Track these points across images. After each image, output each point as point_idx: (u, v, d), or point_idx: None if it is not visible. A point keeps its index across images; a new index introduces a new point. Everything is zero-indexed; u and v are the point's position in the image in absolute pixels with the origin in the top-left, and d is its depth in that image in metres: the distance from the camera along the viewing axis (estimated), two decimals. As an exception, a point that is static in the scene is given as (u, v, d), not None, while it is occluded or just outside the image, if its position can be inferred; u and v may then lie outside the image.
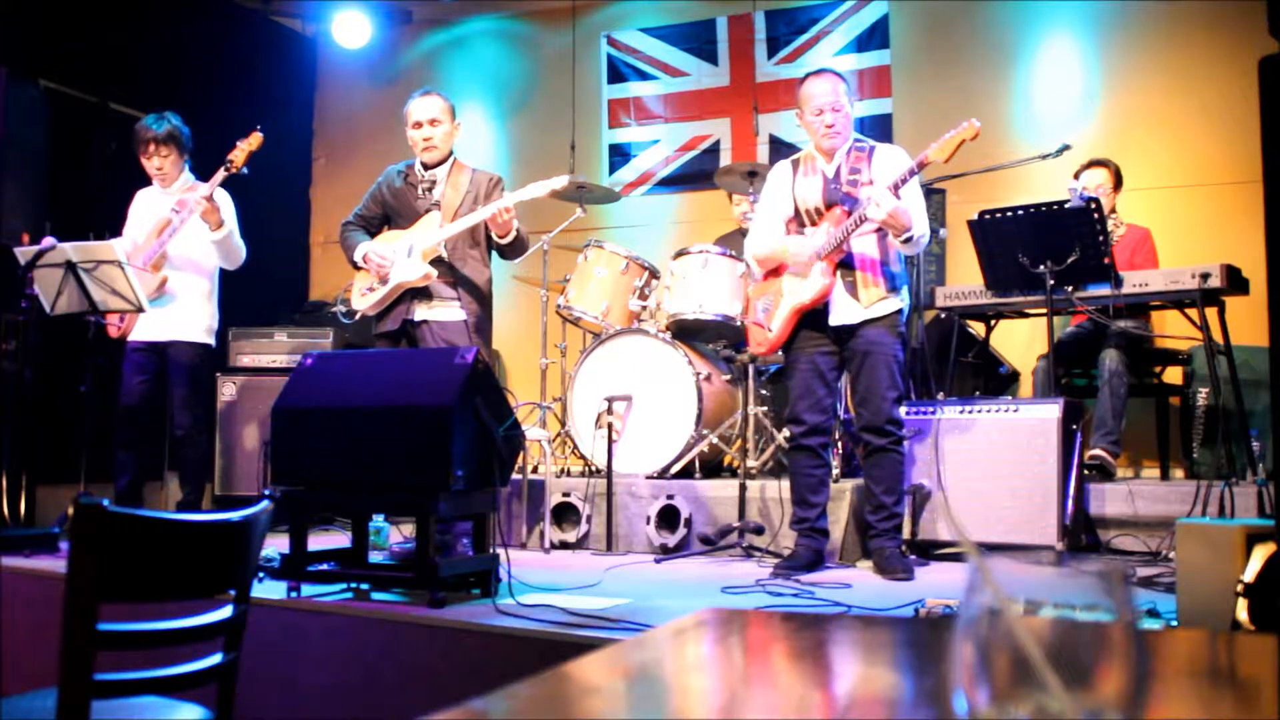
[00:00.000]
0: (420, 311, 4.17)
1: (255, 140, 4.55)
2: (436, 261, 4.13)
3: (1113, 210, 4.98)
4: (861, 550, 4.12)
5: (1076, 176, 4.99)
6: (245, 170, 4.53)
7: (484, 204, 4.17)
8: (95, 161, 5.91)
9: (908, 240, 3.65)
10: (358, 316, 4.38)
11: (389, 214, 4.33)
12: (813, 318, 3.82)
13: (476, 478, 3.13)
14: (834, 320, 3.78)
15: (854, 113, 3.90)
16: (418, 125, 4.22)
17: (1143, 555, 4.01)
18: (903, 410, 3.98)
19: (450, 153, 4.30)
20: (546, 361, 5.48)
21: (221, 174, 4.50)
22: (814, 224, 3.83)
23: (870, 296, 3.76)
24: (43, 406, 5.17)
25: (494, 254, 4.31)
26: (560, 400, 5.27)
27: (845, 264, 3.77)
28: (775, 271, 3.93)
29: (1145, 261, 4.82)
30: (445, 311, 4.17)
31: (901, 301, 3.81)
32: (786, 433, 4.20)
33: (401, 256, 4.15)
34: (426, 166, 4.27)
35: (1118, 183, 5.03)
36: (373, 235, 4.33)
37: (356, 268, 4.29)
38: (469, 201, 4.21)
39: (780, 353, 4.07)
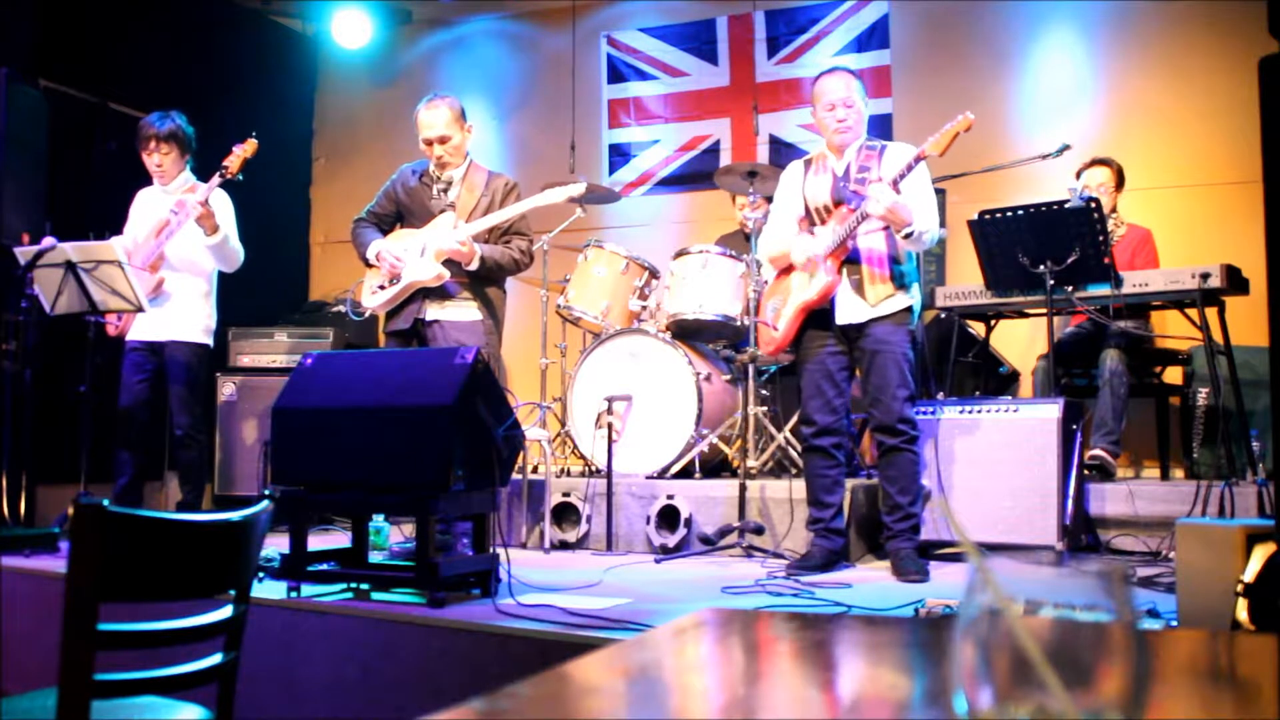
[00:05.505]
0: (432, 311, 4.18)
1: (250, 147, 4.54)
2: (450, 262, 4.13)
3: (1113, 210, 4.98)
4: (865, 549, 4.12)
5: (1078, 175, 4.98)
6: (240, 177, 4.53)
7: (498, 208, 4.19)
8: (95, 161, 5.92)
9: (908, 236, 3.64)
10: (367, 314, 4.38)
11: (402, 212, 4.33)
12: (819, 317, 3.81)
13: (476, 478, 3.13)
14: (840, 319, 3.77)
15: (867, 111, 3.90)
16: (428, 143, 4.21)
17: (1143, 555, 4.00)
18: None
19: (467, 154, 4.29)
20: (546, 361, 5.48)
21: (217, 180, 4.49)
22: (823, 222, 3.82)
23: (877, 294, 3.74)
24: (43, 406, 5.17)
25: None
26: (560, 400, 5.26)
27: (852, 261, 3.76)
28: (787, 271, 3.93)
29: (1146, 261, 4.82)
30: (457, 311, 4.18)
31: (911, 299, 3.79)
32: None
33: (414, 256, 4.15)
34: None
35: (1120, 182, 5.02)
36: (385, 233, 4.33)
37: (368, 264, 4.29)
38: (484, 204, 4.22)
39: (786, 353, 4.06)
